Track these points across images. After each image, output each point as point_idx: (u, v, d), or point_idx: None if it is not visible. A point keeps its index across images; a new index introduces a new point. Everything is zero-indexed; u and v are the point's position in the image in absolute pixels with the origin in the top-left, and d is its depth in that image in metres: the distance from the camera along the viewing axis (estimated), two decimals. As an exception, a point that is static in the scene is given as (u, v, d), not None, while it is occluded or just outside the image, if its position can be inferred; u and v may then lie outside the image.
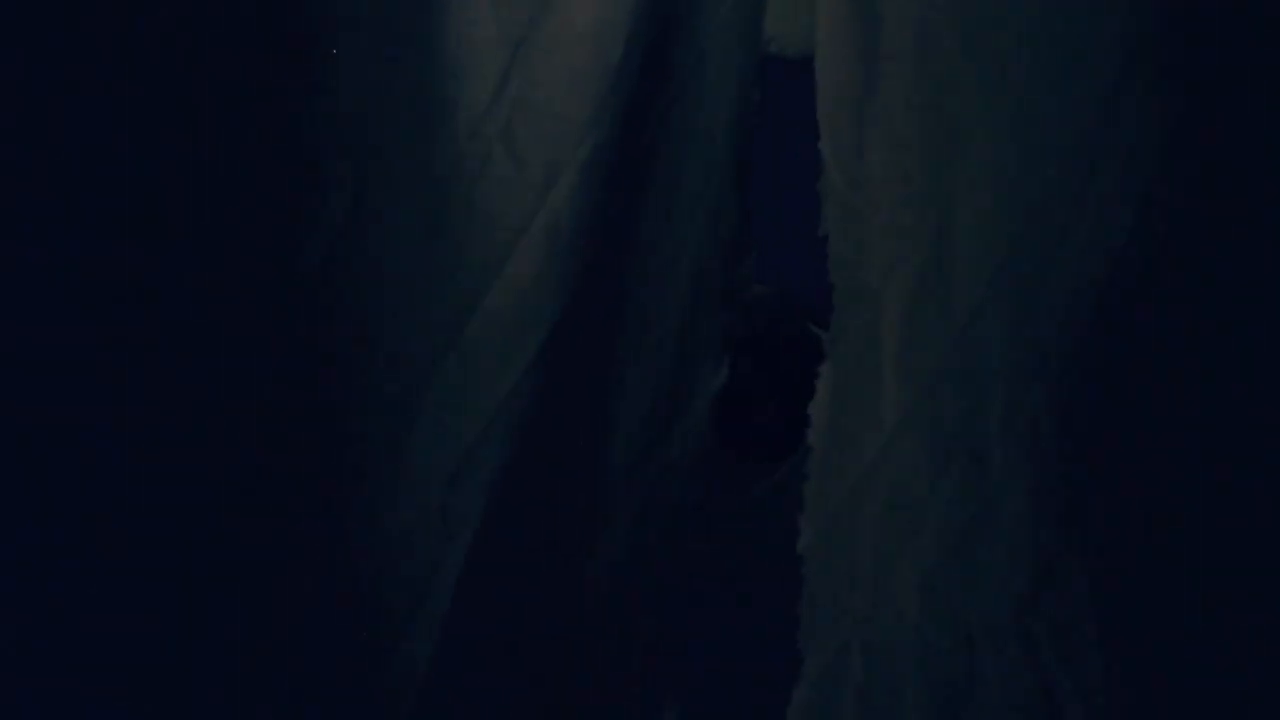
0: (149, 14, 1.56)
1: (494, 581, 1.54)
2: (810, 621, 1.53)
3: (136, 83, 1.59)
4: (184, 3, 1.54)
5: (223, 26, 1.53)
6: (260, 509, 1.56)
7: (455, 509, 1.51)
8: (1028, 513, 1.50)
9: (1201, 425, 1.54)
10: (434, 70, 1.44)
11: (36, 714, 1.77)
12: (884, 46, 1.47)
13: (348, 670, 1.60)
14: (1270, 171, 1.55)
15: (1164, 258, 1.51)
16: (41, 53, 1.60)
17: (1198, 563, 1.54)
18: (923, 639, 1.51)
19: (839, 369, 1.49)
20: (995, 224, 1.47)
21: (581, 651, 1.58)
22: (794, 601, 1.60)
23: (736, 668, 1.76)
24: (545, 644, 1.57)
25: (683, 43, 1.46)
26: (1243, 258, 1.53)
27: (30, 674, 1.74)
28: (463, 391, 1.48)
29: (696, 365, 1.51)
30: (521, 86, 1.44)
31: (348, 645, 1.58)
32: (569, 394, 1.50)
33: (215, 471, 1.58)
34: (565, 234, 1.45)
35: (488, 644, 1.57)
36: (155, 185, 1.59)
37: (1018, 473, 1.50)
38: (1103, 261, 1.51)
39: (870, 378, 1.50)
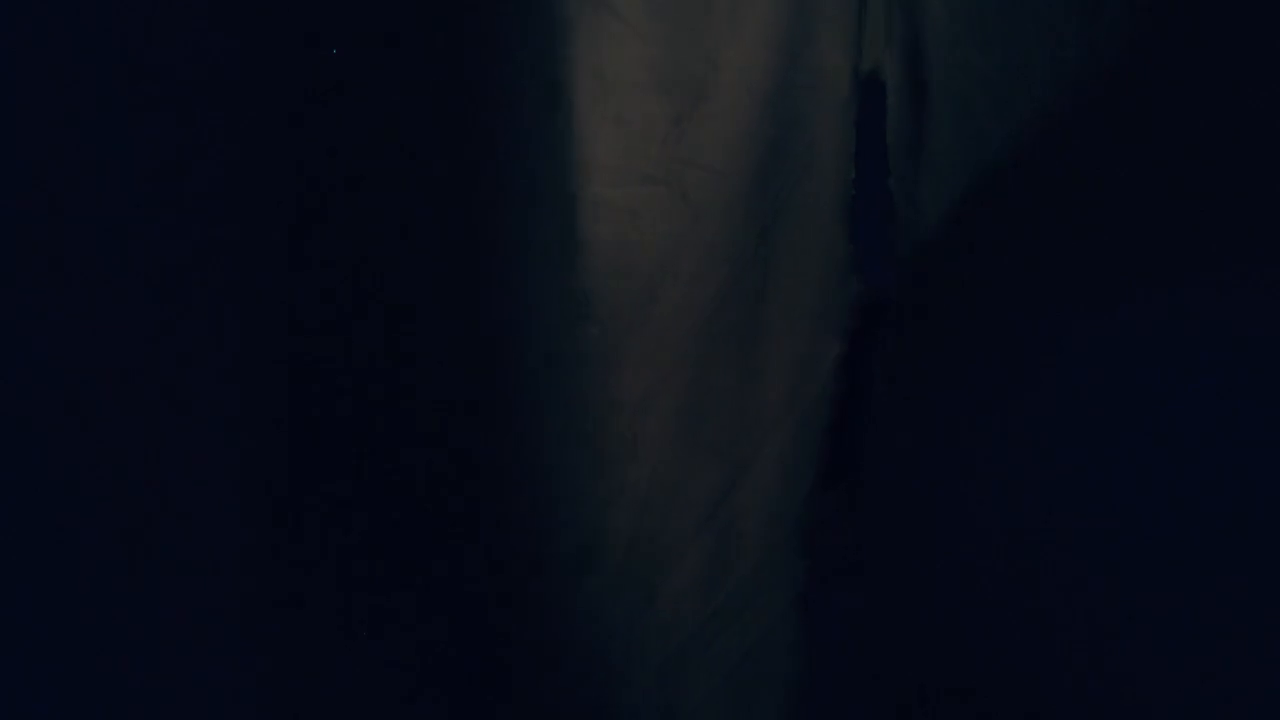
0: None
1: (670, 493, 2.00)
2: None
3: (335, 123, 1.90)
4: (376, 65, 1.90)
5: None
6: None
7: (640, 435, 1.99)
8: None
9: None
10: (620, 137, 1.92)
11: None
12: (932, 111, 1.95)
13: (537, 565, 1.98)
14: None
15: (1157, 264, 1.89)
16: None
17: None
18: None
19: (904, 330, 2.00)
20: (1014, 235, 1.93)
21: (733, 543, 2.05)
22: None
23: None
24: (704, 538, 2.04)
25: (802, 125, 1.95)
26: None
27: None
28: (645, 350, 1.95)
29: (827, 343, 2.02)
30: (681, 149, 1.93)
31: (544, 541, 1.98)
32: (724, 354, 1.99)
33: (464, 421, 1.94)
34: (716, 248, 1.95)
35: (666, 546, 2.02)
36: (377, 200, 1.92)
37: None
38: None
39: (925, 336, 2.00)
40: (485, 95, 1.93)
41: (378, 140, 1.94)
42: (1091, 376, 1.96)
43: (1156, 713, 1.97)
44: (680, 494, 2.01)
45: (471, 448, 1.97)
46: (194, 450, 1.98)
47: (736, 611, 2.05)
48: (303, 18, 1.91)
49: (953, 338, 2.01)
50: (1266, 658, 1.88)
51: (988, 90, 1.93)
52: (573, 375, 1.95)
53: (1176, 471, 1.92)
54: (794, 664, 2.07)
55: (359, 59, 1.92)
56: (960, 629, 2.06)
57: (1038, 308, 1.98)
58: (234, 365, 1.96)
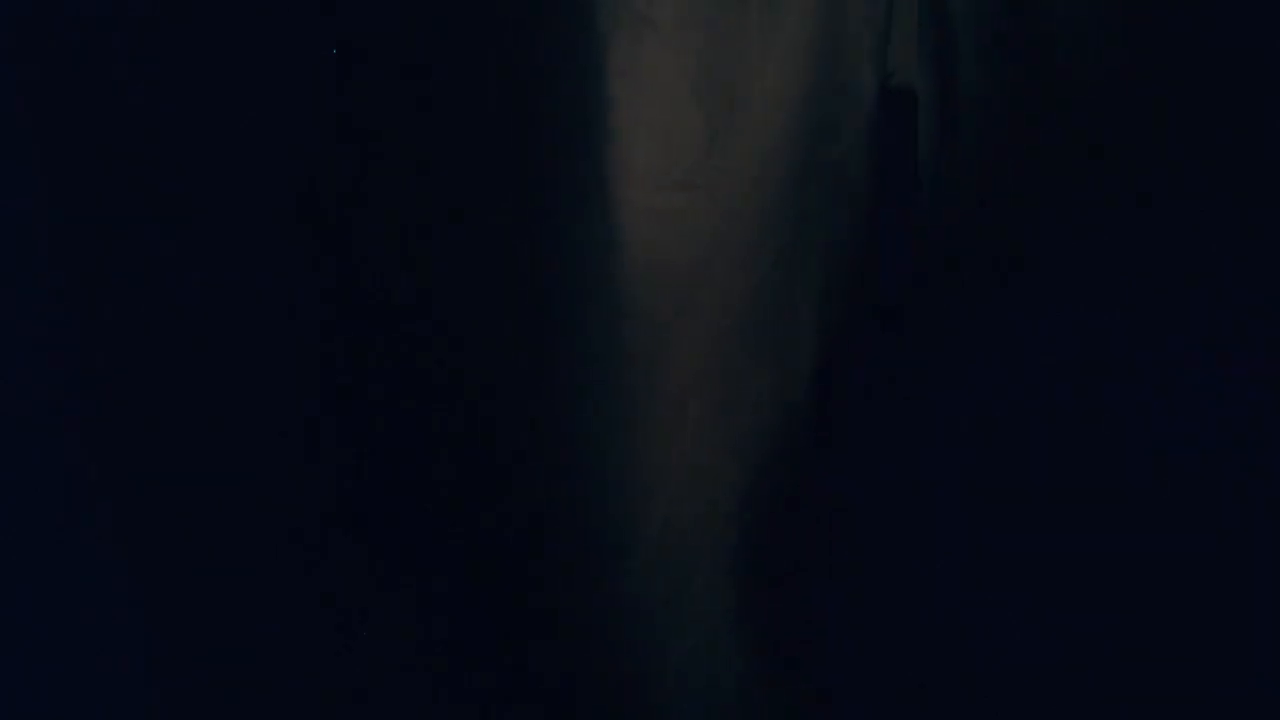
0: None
1: (702, 486, 2.07)
2: None
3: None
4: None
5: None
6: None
7: (678, 428, 2.05)
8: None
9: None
10: (658, 146, 1.98)
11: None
12: (960, 121, 2.03)
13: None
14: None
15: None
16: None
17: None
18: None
19: (904, 330, 2.08)
20: (1016, 236, 2.04)
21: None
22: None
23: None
24: (731, 532, 2.10)
25: (831, 135, 2.01)
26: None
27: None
28: (682, 348, 2.02)
29: (849, 347, 2.08)
30: (716, 158, 1.98)
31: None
32: (755, 354, 2.05)
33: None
34: (749, 252, 2.01)
35: (698, 537, 2.08)
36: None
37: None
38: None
39: (925, 336, 2.08)
40: (528, 107, 1.99)
41: (423, 150, 2.00)
42: (1094, 377, 2.03)
43: (1158, 712, 2.04)
44: (711, 488, 2.07)
45: (513, 442, 2.03)
46: (218, 449, 2.03)
47: (759, 606, 2.10)
48: (342, 28, 1.99)
49: (953, 338, 2.08)
50: (1269, 660, 1.96)
51: (1015, 99, 2.03)
52: (615, 371, 2.01)
53: (1180, 471, 1.99)
54: (800, 661, 2.13)
55: (402, 72, 2.00)
56: (960, 629, 2.12)
57: (1038, 308, 2.07)
58: (267, 363, 2.03)
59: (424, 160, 2.00)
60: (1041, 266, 2.07)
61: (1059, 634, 2.08)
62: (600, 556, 2.06)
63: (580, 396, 2.02)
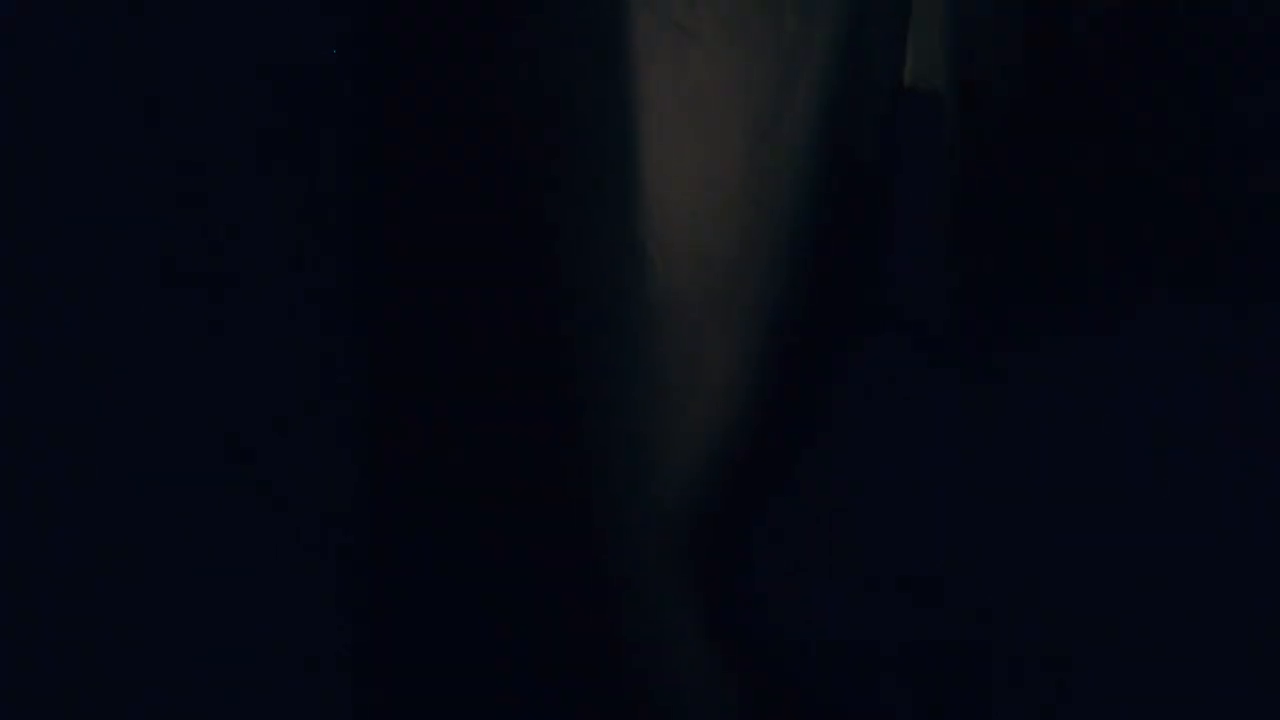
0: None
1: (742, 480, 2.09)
2: None
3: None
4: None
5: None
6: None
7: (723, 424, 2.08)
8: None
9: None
10: (701, 152, 2.02)
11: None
12: (982, 113, 2.05)
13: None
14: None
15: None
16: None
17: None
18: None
19: (904, 330, 2.11)
20: (1016, 236, 2.07)
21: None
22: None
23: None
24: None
25: (858, 135, 2.05)
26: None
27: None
28: (725, 346, 2.05)
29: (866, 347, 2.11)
30: (756, 161, 2.02)
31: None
32: (790, 349, 2.07)
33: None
34: (785, 250, 2.03)
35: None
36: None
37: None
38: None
39: (925, 337, 2.11)
40: (571, 109, 2.03)
41: (467, 151, 2.04)
42: (1094, 377, 2.05)
43: (1158, 712, 2.05)
44: (737, 487, 2.08)
45: (548, 440, 2.05)
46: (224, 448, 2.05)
47: (759, 604, 2.12)
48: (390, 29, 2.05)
49: (954, 338, 2.10)
50: (1269, 660, 1.96)
51: (1036, 100, 2.04)
52: (652, 370, 2.03)
53: (1180, 471, 2.00)
54: (799, 660, 2.14)
55: (449, 74, 2.03)
56: (963, 630, 2.13)
57: (1040, 307, 2.09)
58: (308, 361, 2.07)
59: (469, 160, 2.03)
60: (1046, 267, 2.09)
61: (1059, 634, 2.09)
62: (631, 557, 2.06)
63: (618, 394, 2.03)
